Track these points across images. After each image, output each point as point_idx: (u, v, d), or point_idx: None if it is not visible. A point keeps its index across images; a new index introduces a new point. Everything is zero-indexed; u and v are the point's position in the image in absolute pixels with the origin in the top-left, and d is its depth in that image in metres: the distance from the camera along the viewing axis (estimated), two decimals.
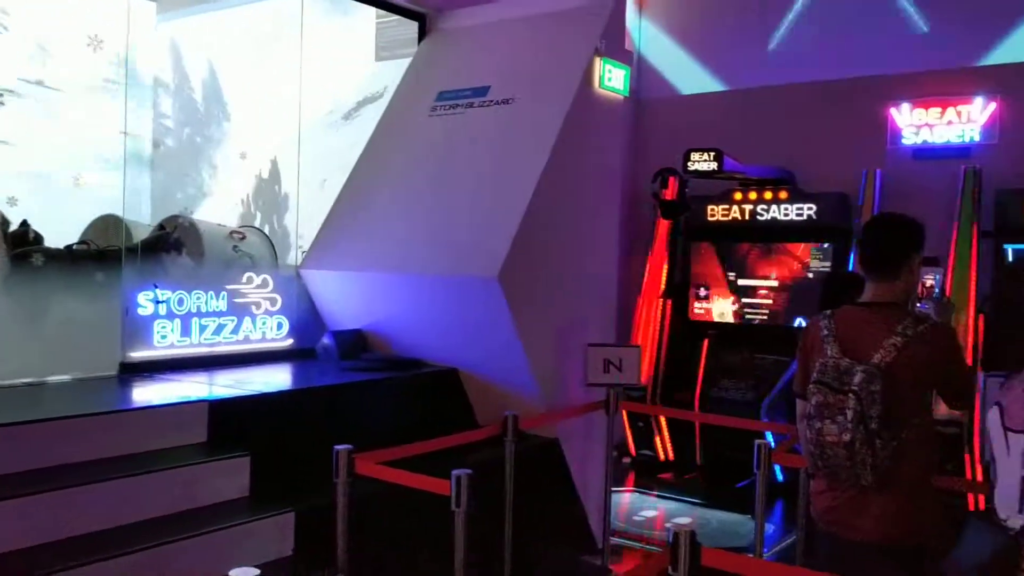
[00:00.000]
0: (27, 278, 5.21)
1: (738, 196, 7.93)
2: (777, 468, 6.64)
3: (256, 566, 3.02)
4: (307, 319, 6.00)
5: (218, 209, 7.45)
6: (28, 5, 6.12)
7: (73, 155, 6.48)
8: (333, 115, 7.75)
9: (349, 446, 3.76)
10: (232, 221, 7.26)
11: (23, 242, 5.51)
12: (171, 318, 5.19)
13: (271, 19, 7.49)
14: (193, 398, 4.37)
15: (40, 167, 6.30)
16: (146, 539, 3.45)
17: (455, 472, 3.46)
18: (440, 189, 5.72)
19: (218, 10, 7.98)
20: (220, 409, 4.24)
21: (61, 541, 3.36)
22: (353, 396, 5.01)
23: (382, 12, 7.17)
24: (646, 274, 8.36)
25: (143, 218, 6.62)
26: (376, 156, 6.32)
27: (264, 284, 5.71)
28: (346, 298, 5.88)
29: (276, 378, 5.26)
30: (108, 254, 5.51)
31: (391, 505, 4.14)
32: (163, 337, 5.14)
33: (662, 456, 8.25)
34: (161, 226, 6.10)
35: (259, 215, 7.62)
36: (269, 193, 7.56)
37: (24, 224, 5.55)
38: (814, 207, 7.56)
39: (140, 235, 5.91)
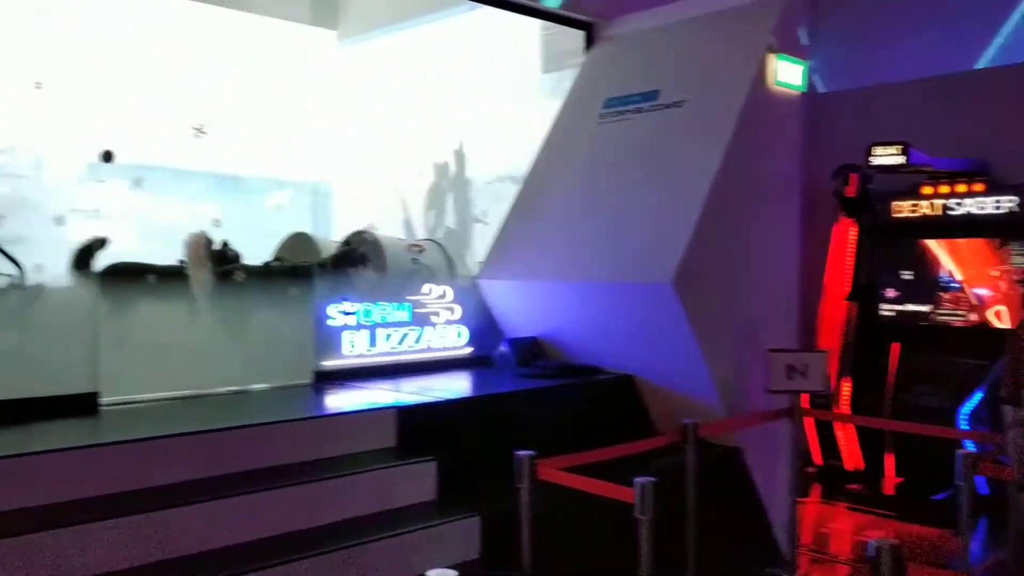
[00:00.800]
0: (230, 294, 5.63)
1: (927, 190, 7.44)
2: (980, 480, 6.18)
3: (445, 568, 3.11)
4: (484, 327, 6.14)
5: (398, 223, 7.75)
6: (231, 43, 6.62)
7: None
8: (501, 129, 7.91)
9: (531, 452, 3.81)
10: (414, 234, 7.54)
11: (224, 260, 5.96)
12: (359, 329, 5.45)
13: (440, 38, 7.74)
14: (383, 405, 4.58)
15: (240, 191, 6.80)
16: (340, 539, 3.63)
17: (639, 480, 3.43)
18: (612, 196, 5.72)
19: (392, 33, 8.34)
20: (408, 415, 4.41)
21: (261, 540, 3.57)
22: (530, 402, 5.08)
23: (548, 24, 7.26)
24: (828, 275, 8.00)
25: (330, 234, 7.00)
26: (546, 166, 6.40)
27: (444, 295, 5.90)
28: (521, 306, 5.98)
29: (458, 385, 5.41)
30: (300, 270, 5.86)
31: (572, 510, 4.16)
32: (352, 346, 5.41)
33: (850, 466, 7.85)
34: (347, 241, 6.43)
35: (439, 228, 7.86)
36: (448, 207, 7.79)
37: (225, 243, 6.00)
38: (1016, 200, 6.99)
39: (328, 251, 6.25)
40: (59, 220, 5.19)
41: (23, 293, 4.91)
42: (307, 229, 6.40)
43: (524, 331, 5.99)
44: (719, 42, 5.90)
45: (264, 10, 7.56)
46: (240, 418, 4.15)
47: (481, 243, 6.80)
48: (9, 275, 4.93)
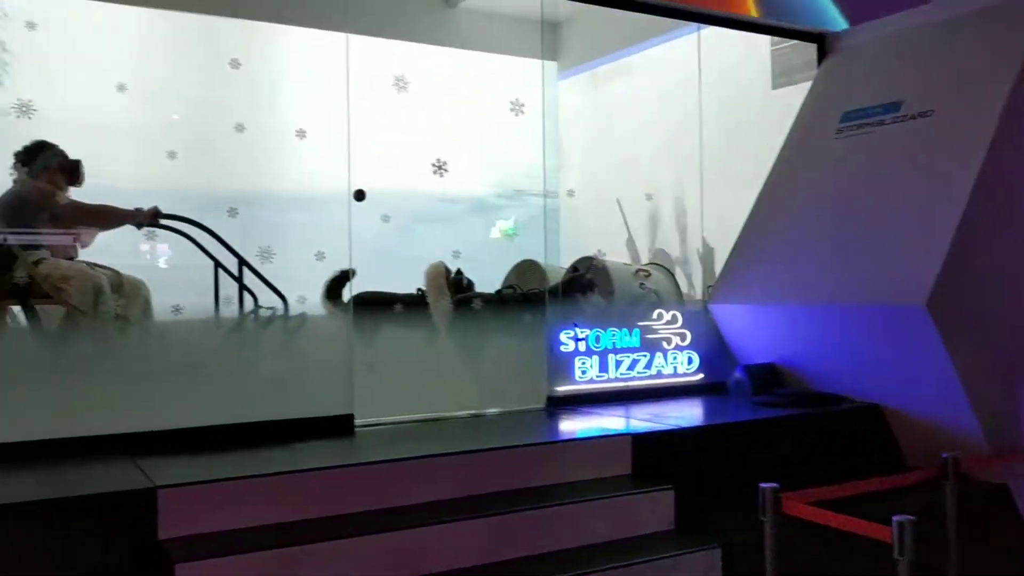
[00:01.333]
0: (466, 321, 5.88)
1: None
2: None
3: None
4: (716, 353, 6.00)
5: (623, 248, 7.76)
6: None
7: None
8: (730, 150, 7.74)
9: (774, 484, 3.66)
10: (639, 259, 7.52)
11: (460, 288, 6.23)
12: (590, 355, 5.49)
13: (665, 62, 7.70)
14: (618, 431, 4.58)
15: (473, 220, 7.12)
16: (578, 565, 3.64)
17: (897, 518, 3.20)
18: (853, 213, 5.42)
19: (613, 60, 8.40)
20: (643, 442, 4.38)
21: (500, 563, 3.64)
22: (769, 432, 4.89)
23: (777, 39, 7.04)
24: None
25: (555, 261, 7.14)
26: (781, 184, 6.18)
27: (673, 320, 5.83)
28: (756, 331, 5.79)
29: (691, 412, 5.32)
30: (532, 296, 6.02)
31: (815, 545, 3.96)
32: (583, 372, 5.46)
33: None
34: (575, 268, 6.53)
35: (667, 252, 7.79)
36: (673, 230, 7.72)
37: (459, 272, 6.28)
38: None
39: (555, 277, 6.37)
40: (320, 256, 5.65)
41: (287, 323, 5.39)
42: (534, 256, 6.56)
43: (759, 357, 5.79)
44: (969, 46, 5.46)
45: (489, 47, 7.90)
46: (481, 441, 4.30)
47: (710, 266, 6.67)
48: (271, 307, 5.42)
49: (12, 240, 4.91)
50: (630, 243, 8.05)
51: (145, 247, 5.65)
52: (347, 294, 5.85)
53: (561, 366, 5.43)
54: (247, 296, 5.42)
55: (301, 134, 6.36)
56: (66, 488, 3.27)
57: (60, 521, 3.07)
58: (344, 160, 4.78)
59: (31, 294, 4.87)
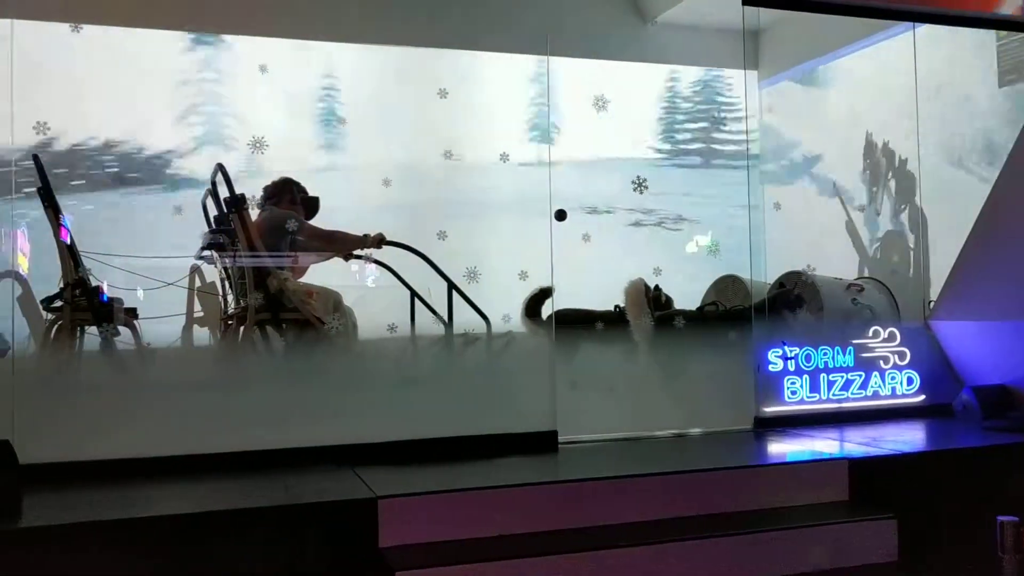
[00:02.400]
0: (667, 339, 5.80)
1: None
2: None
3: None
4: (939, 373, 5.59)
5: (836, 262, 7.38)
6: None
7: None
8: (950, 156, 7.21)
9: (1014, 518, 3.35)
10: (851, 274, 7.14)
11: (659, 305, 6.16)
12: (800, 374, 5.27)
13: (877, 64, 7.30)
14: (833, 455, 4.36)
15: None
16: None
17: None
18: None
19: (817, 66, 8.06)
20: (861, 467, 4.14)
21: None
22: (1002, 459, 4.49)
23: (1004, 33, 6.50)
24: None
25: (760, 276, 6.92)
26: (1011, 192, 5.68)
27: (891, 338, 5.49)
28: (986, 350, 5.34)
29: (913, 436, 4.98)
30: (736, 313, 5.85)
31: None
32: (793, 393, 5.25)
33: None
34: (781, 283, 6.29)
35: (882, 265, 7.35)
36: (894, 245, 7.27)
37: (657, 288, 6.21)
38: None
39: (759, 293, 6.15)
40: (523, 275, 5.78)
41: (492, 342, 5.55)
42: (737, 271, 6.38)
43: (989, 378, 5.34)
44: None
45: (688, 60, 7.81)
46: (686, 462, 4.22)
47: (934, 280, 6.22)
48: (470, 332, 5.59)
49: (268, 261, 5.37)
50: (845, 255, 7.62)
51: (355, 268, 5.99)
52: (546, 311, 5.94)
53: (769, 386, 5.25)
54: (455, 315, 5.62)
55: (504, 158, 6.54)
56: (294, 496, 3.52)
57: (288, 527, 3.30)
58: (546, 181, 4.88)
59: (281, 307, 5.30)
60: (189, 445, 4.07)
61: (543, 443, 4.66)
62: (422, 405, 4.61)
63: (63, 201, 5.43)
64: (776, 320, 5.73)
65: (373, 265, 5.79)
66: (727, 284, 6.48)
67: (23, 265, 5.50)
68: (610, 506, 3.79)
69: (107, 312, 4.97)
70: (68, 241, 5.26)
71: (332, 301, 5.28)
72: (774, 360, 5.25)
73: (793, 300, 5.93)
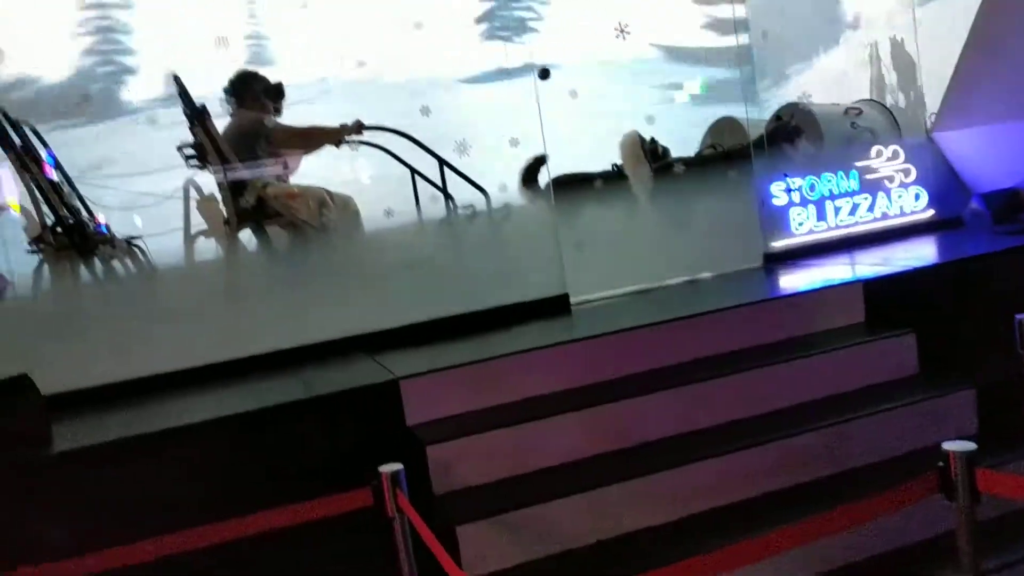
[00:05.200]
0: (668, 188, 5.73)
1: None
2: None
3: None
4: (947, 186, 5.50)
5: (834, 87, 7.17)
6: None
7: None
8: None
9: None
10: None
11: (656, 157, 6.06)
12: (804, 204, 5.21)
13: None
14: (847, 279, 4.34)
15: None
16: (824, 417, 3.53)
17: None
18: None
19: None
20: (875, 288, 4.13)
21: (737, 421, 3.59)
22: (1017, 263, 4.46)
23: None
24: None
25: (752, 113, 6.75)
26: None
27: (895, 156, 5.38)
28: (992, 156, 5.24)
29: (925, 251, 4.94)
30: (734, 153, 5.74)
31: None
32: (800, 224, 5.19)
33: None
34: (778, 116, 6.14)
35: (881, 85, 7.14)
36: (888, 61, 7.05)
37: (653, 141, 6.09)
38: None
39: (756, 130, 6.02)
40: (513, 142, 5.64)
41: (492, 215, 5.48)
42: (733, 112, 6.23)
43: (998, 183, 5.25)
44: None
45: None
46: (699, 304, 4.20)
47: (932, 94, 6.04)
48: (470, 206, 5.51)
49: (240, 171, 5.26)
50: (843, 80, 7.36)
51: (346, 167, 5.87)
52: (543, 179, 5.85)
53: (775, 221, 5.19)
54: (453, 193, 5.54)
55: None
56: (318, 388, 3.54)
57: (320, 417, 3.33)
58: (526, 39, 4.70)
59: (264, 215, 5.23)
60: (205, 356, 4.07)
61: (556, 307, 4.66)
62: (431, 286, 4.60)
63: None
64: (776, 154, 5.62)
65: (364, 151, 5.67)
66: (724, 126, 6.34)
67: (13, 207, 5.43)
68: (628, 357, 3.81)
69: (93, 245, 4.92)
70: (54, 178, 5.17)
71: (316, 199, 5.18)
72: (777, 194, 5.18)
73: (791, 131, 5.81)
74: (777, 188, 5.17)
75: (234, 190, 5.20)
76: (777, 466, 3.33)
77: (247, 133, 5.35)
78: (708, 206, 5.28)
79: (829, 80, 7.14)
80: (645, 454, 3.41)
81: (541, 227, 5.00)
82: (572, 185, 5.79)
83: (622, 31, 5.60)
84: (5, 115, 5.07)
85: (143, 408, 3.69)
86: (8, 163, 5.26)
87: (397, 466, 2.64)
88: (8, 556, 2.56)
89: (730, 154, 5.79)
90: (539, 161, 5.98)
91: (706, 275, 5.15)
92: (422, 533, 2.34)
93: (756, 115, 6.56)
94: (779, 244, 5.17)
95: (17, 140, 5.14)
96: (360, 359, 4.04)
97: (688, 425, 3.57)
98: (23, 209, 5.31)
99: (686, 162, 5.78)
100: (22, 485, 3.05)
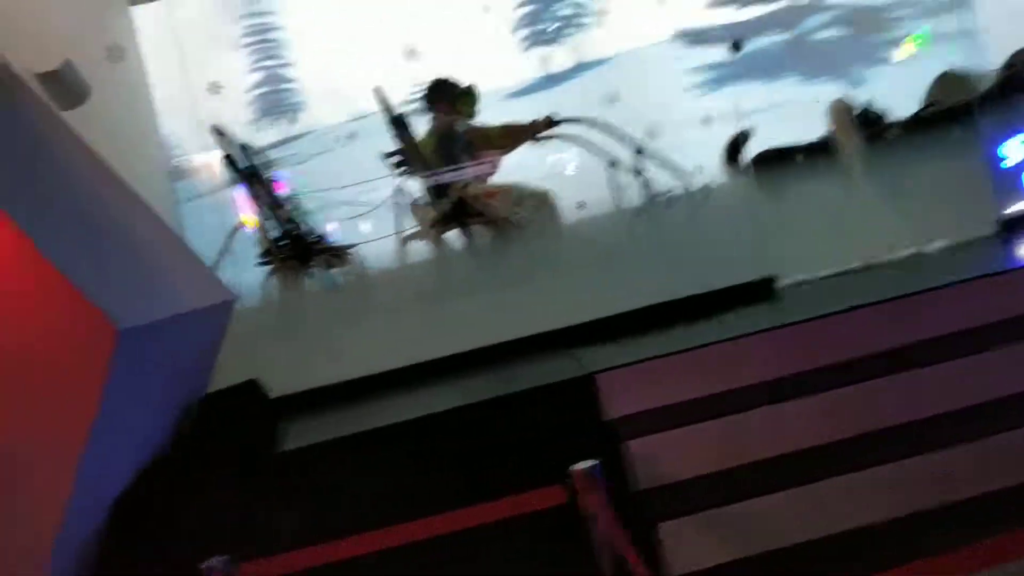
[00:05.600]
0: (883, 155, 5.30)
1: None
2: None
3: None
4: None
5: None
6: None
7: None
8: None
9: None
10: None
11: (868, 123, 5.63)
12: None
13: None
14: None
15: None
16: None
17: None
18: None
19: None
20: None
21: (960, 410, 3.26)
22: None
23: None
24: None
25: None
26: None
27: None
28: None
29: None
30: (956, 110, 5.23)
31: None
32: None
33: None
34: (1010, 64, 5.52)
35: None
36: None
37: (865, 106, 5.66)
38: None
39: (985, 83, 5.45)
40: (706, 121, 5.45)
41: (690, 198, 5.32)
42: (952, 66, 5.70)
43: None
44: None
45: None
46: (919, 282, 3.85)
47: None
48: (668, 191, 5.38)
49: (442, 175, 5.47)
50: None
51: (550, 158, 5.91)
52: (745, 156, 5.62)
53: (1008, 183, 4.66)
54: (650, 178, 5.45)
55: None
56: (515, 384, 3.58)
57: (517, 413, 3.36)
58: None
59: (466, 215, 5.39)
60: (412, 355, 4.23)
61: (761, 291, 4.44)
62: (631, 275, 4.52)
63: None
64: (1008, 108, 5.04)
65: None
66: (947, 82, 5.79)
67: (249, 221, 5.91)
68: (843, 341, 3.53)
69: (314, 254, 5.27)
70: (283, 193, 5.60)
71: (514, 195, 5.28)
72: (1010, 153, 4.64)
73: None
74: (1010, 147, 4.64)
75: (437, 193, 5.39)
76: (1015, 459, 2.99)
77: (444, 137, 5.53)
78: (930, 171, 4.82)
79: None
80: (864, 446, 3.17)
81: (744, 206, 4.79)
82: (777, 160, 5.53)
83: None
84: (242, 147, 5.56)
85: (358, 407, 3.89)
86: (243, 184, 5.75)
87: (592, 463, 2.61)
88: (242, 549, 2.77)
89: (953, 112, 5.27)
90: (742, 137, 5.75)
91: (932, 247, 4.71)
92: (615, 532, 2.30)
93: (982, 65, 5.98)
94: (1013, 209, 4.64)
95: (247, 162, 5.61)
96: (559, 354, 4.03)
97: (913, 413, 3.28)
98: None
99: (903, 125, 5.33)
100: (253, 482, 3.30)
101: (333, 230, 5.98)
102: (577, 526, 2.62)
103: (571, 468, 2.62)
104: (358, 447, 3.33)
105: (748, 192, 4.96)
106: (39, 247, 2.60)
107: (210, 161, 6.46)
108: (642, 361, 3.46)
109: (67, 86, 3.76)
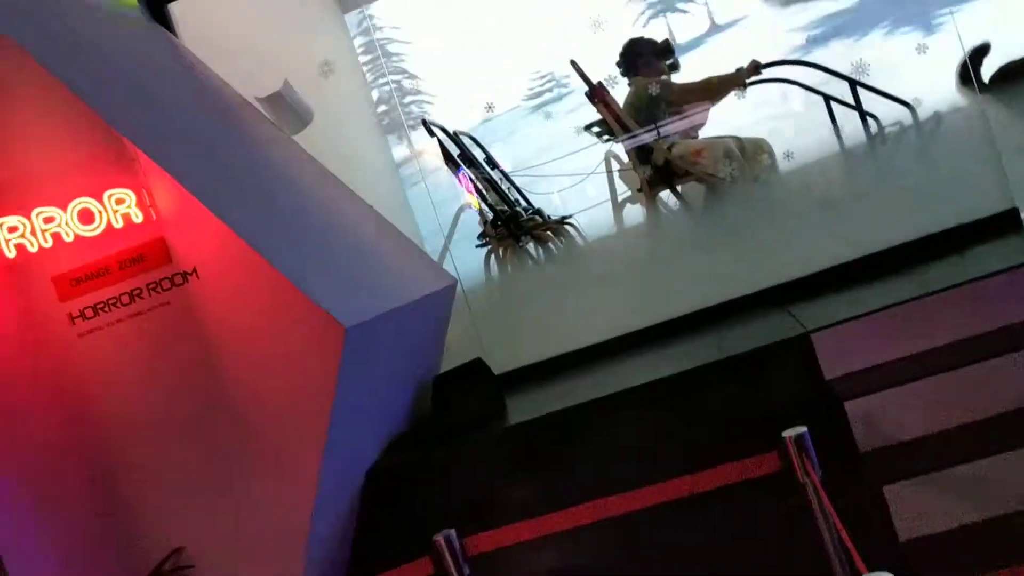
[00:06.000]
0: None
1: None
2: None
3: None
4: None
5: None
6: None
7: None
8: None
9: None
10: None
11: None
12: None
13: None
14: None
15: None
16: None
17: None
18: None
19: None
20: None
21: None
22: None
23: None
24: None
25: None
26: None
27: None
28: None
29: None
30: None
31: None
32: None
33: None
34: None
35: None
36: None
37: None
38: None
39: None
40: (921, 48, 4.99)
41: (919, 129, 4.92)
42: None
43: None
44: None
45: None
46: None
47: None
48: (896, 123, 4.98)
49: (645, 137, 5.44)
50: None
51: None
52: (987, 72, 5.10)
53: None
54: (869, 119, 5.12)
55: None
56: (730, 349, 3.52)
57: (734, 378, 3.32)
58: None
59: (674, 175, 5.34)
60: (629, 323, 4.27)
61: (1002, 226, 4.01)
62: (855, 221, 4.27)
63: None
64: None
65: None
66: None
67: (473, 202, 6.21)
68: None
69: (529, 230, 5.43)
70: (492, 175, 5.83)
71: (722, 150, 5.12)
72: None
73: None
74: None
75: (641, 157, 5.37)
76: None
77: (639, 100, 5.48)
78: None
79: None
80: None
81: (977, 134, 4.35)
82: (1017, 76, 4.97)
83: None
84: (453, 134, 5.85)
85: (577, 379, 4.00)
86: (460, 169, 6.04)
87: (801, 429, 2.55)
88: (474, 521, 2.97)
89: None
90: (981, 51, 5.21)
91: None
92: (827, 502, 2.24)
93: None
94: None
95: (459, 149, 5.88)
96: (774, 312, 3.91)
97: None
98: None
99: None
100: (485, 456, 3.52)
101: (549, 204, 6.12)
102: (793, 492, 2.57)
103: (782, 434, 2.57)
104: (579, 419, 3.43)
105: (986, 115, 4.48)
106: (273, 263, 2.92)
107: (427, 148, 6.86)
108: (860, 317, 3.28)
109: (290, 106, 4.12)
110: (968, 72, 5.23)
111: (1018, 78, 5.07)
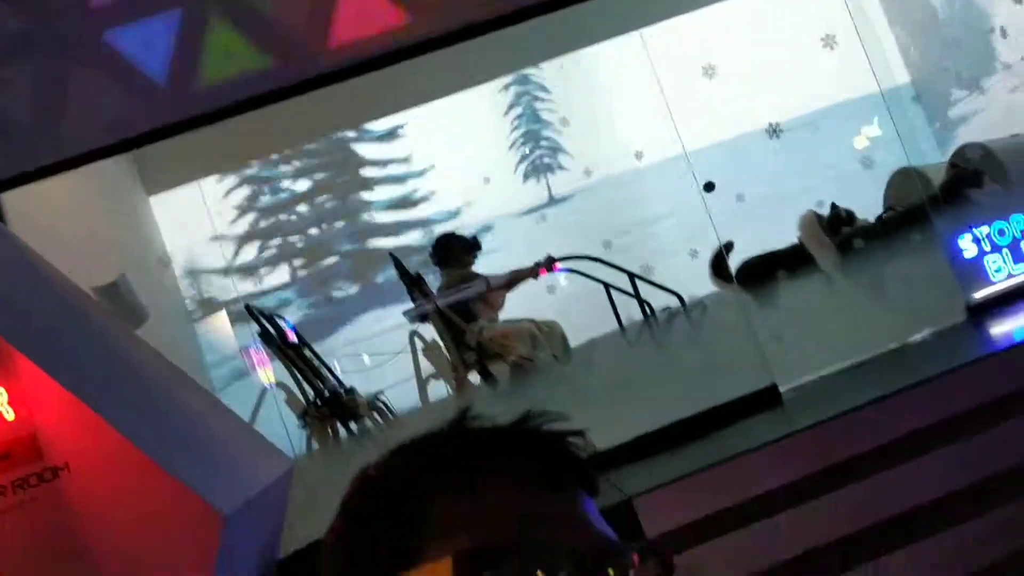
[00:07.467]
0: (856, 258, 5.78)
1: None
2: None
3: None
4: None
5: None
6: None
7: None
8: None
9: None
10: None
11: (839, 223, 6.08)
12: (997, 251, 5.14)
13: None
14: None
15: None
16: None
17: None
18: None
19: None
20: None
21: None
22: None
23: None
24: None
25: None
26: None
27: None
28: None
29: None
30: (915, 211, 5.72)
31: None
32: (998, 271, 5.13)
33: None
34: (952, 164, 6.05)
35: None
36: None
37: (833, 208, 6.15)
38: None
39: (937, 178, 5.96)
40: (693, 253, 5.99)
41: (687, 316, 5.78)
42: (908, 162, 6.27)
43: None
44: None
45: None
46: (912, 373, 4.22)
47: None
48: (666, 308, 5.84)
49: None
50: None
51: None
52: (732, 267, 6.08)
53: (971, 272, 5.15)
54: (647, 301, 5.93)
55: (638, 156, 6.84)
56: None
57: None
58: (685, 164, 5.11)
59: (486, 356, 5.81)
60: None
61: (766, 400, 4.80)
62: (643, 398, 4.88)
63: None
64: (962, 203, 5.55)
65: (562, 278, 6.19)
66: (902, 180, 6.31)
67: (265, 377, 6.30)
68: (852, 441, 3.89)
69: (348, 410, 5.65)
70: (295, 341, 6.00)
71: (528, 335, 5.69)
72: (967, 247, 5.15)
73: (971, 178, 5.71)
74: (966, 241, 5.15)
75: (456, 340, 5.81)
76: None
77: (457, 295, 6.02)
78: (898, 270, 5.32)
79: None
80: (894, 530, 3.53)
81: (738, 318, 5.22)
82: (759, 269, 5.99)
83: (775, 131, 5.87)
84: (259, 311, 6.00)
85: None
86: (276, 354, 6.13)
87: None
88: None
89: (911, 214, 5.75)
90: (724, 249, 6.20)
91: (914, 338, 5.12)
92: None
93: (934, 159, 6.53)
94: (980, 294, 5.11)
95: (269, 328, 6.03)
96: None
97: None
98: (285, 386, 6.14)
99: (866, 232, 5.83)
100: None
101: (359, 381, 6.37)
102: None
103: None
104: None
105: (740, 303, 5.40)
106: (144, 449, 2.99)
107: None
108: (674, 481, 3.82)
109: (126, 301, 4.19)
110: (720, 265, 6.25)
111: (757, 272, 6.11)
